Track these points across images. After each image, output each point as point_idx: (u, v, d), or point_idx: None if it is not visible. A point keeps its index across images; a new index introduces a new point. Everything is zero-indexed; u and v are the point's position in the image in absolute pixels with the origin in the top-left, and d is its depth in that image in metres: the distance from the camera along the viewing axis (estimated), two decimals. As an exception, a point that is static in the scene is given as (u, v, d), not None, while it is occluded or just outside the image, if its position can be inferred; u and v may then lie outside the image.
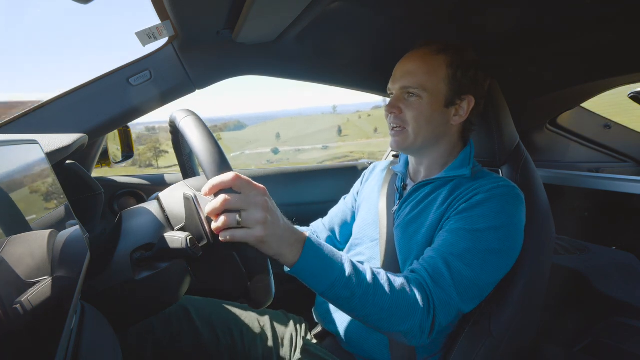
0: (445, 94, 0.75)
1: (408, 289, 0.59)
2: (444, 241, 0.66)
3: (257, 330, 0.87)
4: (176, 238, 0.56)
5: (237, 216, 0.47)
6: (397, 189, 0.86)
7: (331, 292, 0.55)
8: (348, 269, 0.56)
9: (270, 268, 0.56)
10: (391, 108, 0.77)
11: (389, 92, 0.81)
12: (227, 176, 0.47)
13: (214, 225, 0.49)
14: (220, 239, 0.49)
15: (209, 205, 0.48)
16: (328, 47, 1.02)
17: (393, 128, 0.79)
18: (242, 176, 0.48)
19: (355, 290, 0.55)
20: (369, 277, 0.57)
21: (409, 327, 0.58)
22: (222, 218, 0.47)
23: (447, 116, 0.77)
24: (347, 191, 1.07)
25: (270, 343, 0.86)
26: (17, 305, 0.27)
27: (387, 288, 0.57)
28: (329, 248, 0.57)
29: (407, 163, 0.90)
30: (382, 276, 0.59)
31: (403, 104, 0.76)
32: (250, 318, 0.89)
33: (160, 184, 1.22)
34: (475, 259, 0.64)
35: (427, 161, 0.82)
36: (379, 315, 0.57)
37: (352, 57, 1.10)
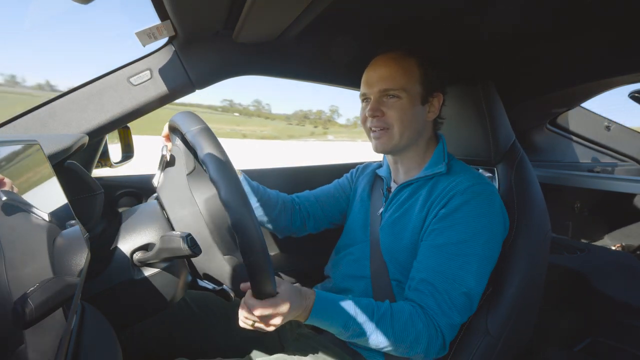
0: (420, 92, 0.79)
1: (412, 324, 0.66)
2: (436, 261, 0.70)
3: None
4: (176, 238, 0.56)
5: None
6: (383, 192, 0.89)
7: (346, 331, 0.65)
8: (356, 313, 0.65)
9: (272, 267, 0.56)
10: (374, 112, 0.78)
11: (362, 98, 0.83)
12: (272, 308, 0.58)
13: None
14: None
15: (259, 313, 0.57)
16: (328, 47, 1.02)
17: (374, 130, 0.80)
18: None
19: (363, 329, 0.65)
20: (374, 317, 0.65)
21: (420, 351, 0.66)
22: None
23: (424, 113, 0.80)
24: None
25: None
26: (18, 306, 0.27)
27: (391, 324, 0.65)
28: (336, 301, 0.66)
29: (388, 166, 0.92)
30: (387, 314, 0.66)
31: (384, 107, 0.78)
32: None
33: None
34: (468, 274, 0.68)
35: (406, 161, 0.85)
36: (390, 347, 0.66)
37: (351, 57, 1.10)
